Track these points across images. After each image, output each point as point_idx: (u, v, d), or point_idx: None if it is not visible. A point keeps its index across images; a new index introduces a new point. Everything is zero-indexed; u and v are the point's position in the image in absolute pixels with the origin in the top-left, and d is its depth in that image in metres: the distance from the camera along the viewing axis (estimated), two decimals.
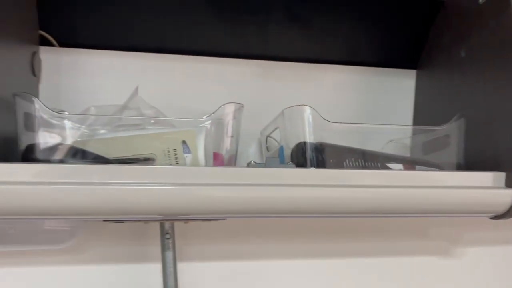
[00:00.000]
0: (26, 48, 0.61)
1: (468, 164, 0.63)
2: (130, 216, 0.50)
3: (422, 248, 0.78)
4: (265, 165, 0.53)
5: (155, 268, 0.68)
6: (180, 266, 0.68)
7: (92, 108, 0.61)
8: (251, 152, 0.73)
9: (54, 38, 0.66)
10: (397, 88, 0.78)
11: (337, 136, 0.59)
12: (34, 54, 0.63)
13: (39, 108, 0.51)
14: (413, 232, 0.77)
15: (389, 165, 0.60)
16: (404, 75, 0.78)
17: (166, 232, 0.64)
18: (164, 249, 0.65)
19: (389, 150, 0.67)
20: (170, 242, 0.65)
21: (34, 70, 0.63)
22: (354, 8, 0.74)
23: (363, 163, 0.60)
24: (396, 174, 0.56)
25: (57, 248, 0.63)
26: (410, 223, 0.77)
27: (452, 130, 0.64)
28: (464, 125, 0.63)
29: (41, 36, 0.65)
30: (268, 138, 0.67)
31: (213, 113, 0.56)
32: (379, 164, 0.61)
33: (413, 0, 0.74)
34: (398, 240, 0.77)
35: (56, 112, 0.53)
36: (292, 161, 0.58)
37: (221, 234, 0.70)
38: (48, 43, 0.66)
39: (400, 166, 0.62)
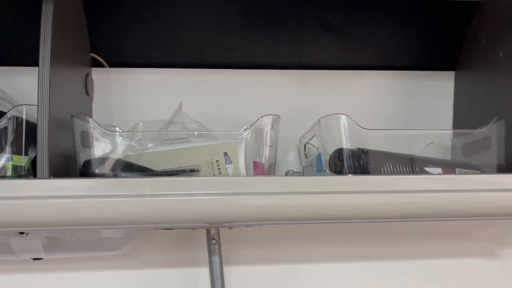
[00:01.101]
0: (80, 70, 0.66)
1: (510, 165, 0.62)
2: (179, 224, 0.53)
3: (466, 250, 0.77)
4: (302, 173, 0.55)
5: (203, 272, 0.72)
6: (226, 269, 0.71)
7: (140, 123, 0.66)
8: (290, 159, 0.75)
9: (104, 60, 0.71)
10: (435, 91, 0.78)
11: (374, 142, 0.61)
12: (87, 76, 0.69)
13: (93, 126, 0.56)
14: (456, 234, 0.77)
15: (428, 169, 0.61)
16: (442, 77, 0.78)
17: (212, 238, 0.68)
18: (211, 254, 0.68)
19: (429, 152, 0.67)
20: (216, 247, 0.68)
21: (87, 90, 0.69)
22: (386, 12, 0.75)
23: (401, 168, 0.61)
24: (436, 179, 0.57)
25: (113, 254, 0.68)
26: (453, 225, 0.77)
27: (492, 132, 0.63)
28: (505, 126, 0.63)
29: (93, 58, 0.71)
30: (307, 145, 0.69)
31: (252, 125, 0.58)
32: (417, 169, 0.61)
33: (448, 1, 0.74)
34: (441, 242, 0.77)
35: (108, 129, 0.58)
36: (330, 168, 0.60)
37: (264, 238, 0.73)
38: (98, 65, 0.71)
39: (439, 169, 0.62)
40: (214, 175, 0.57)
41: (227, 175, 0.57)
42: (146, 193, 0.51)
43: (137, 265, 0.71)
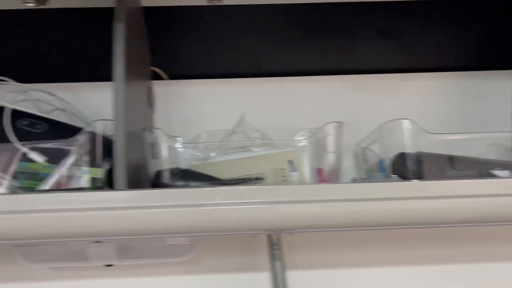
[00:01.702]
0: (144, 84, 0.69)
1: None
2: (248, 232, 0.55)
3: None
4: (369, 180, 0.56)
5: (264, 277, 0.73)
6: (287, 274, 0.72)
7: (203, 133, 0.68)
8: (346, 164, 0.75)
9: (164, 72, 0.74)
10: (493, 91, 0.76)
11: (438, 146, 0.60)
12: (149, 88, 0.72)
13: (164, 138, 0.59)
14: None
15: (494, 172, 0.60)
16: (500, 77, 0.76)
17: (275, 243, 0.69)
18: (273, 259, 0.69)
19: (490, 154, 0.66)
20: (278, 253, 0.69)
21: (150, 102, 0.72)
22: (442, 13, 0.74)
23: (466, 171, 0.60)
24: (501, 182, 0.56)
25: (178, 260, 0.70)
26: None
27: None
28: None
29: (153, 71, 0.73)
30: (366, 150, 0.69)
31: (315, 132, 0.59)
32: (483, 172, 0.60)
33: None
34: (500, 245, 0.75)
35: (176, 140, 0.60)
36: (393, 172, 0.60)
37: (325, 242, 0.73)
38: (158, 77, 0.74)
39: (506, 172, 0.61)
40: (279, 183, 0.58)
41: (292, 182, 0.58)
42: (217, 201, 0.53)
43: (200, 271, 0.73)
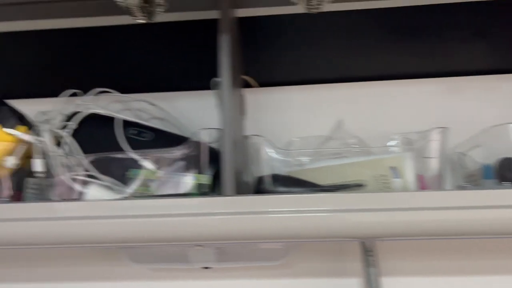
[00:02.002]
0: (238, 93, 0.71)
1: None
2: (346, 239, 0.55)
3: None
4: (476, 187, 0.54)
5: (356, 283, 0.72)
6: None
7: (295, 140, 0.69)
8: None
9: (254, 80, 0.76)
10: None
11: None
12: (241, 96, 0.74)
13: (263, 145, 0.60)
14: None
15: None
16: None
17: (369, 250, 0.69)
18: (367, 265, 0.69)
19: None
20: (372, 259, 0.69)
21: (241, 110, 0.73)
22: None
23: None
24: None
25: (271, 264, 0.72)
26: None
27: None
28: None
29: (243, 79, 0.75)
30: (464, 156, 0.67)
31: (416, 138, 0.59)
32: None
33: None
34: None
35: (279, 148, 0.61)
36: (498, 178, 0.58)
37: (418, 249, 0.72)
38: (248, 85, 0.76)
39: None
40: (380, 190, 0.58)
41: (394, 189, 0.58)
42: (322, 208, 0.53)
43: (292, 275, 0.74)
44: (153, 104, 0.72)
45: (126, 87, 0.73)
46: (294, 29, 0.73)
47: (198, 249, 0.66)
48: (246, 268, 0.73)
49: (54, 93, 0.73)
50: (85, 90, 0.69)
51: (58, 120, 0.66)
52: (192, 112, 0.75)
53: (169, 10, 0.59)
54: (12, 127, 0.61)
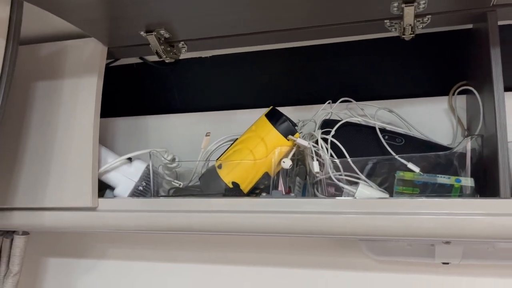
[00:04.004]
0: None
1: None
2: None
3: None
4: None
5: None
6: None
7: None
8: None
9: None
10: None
11: None
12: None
13: None
14: None
15: None
16: None
17: None
18: None
19: None
20: None
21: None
22: None
23: None
24: None
25: (508, 263, 0.74)
26: None
27: None
28: None
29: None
30: None
31: None
32: None
33: None
34: None
35: None
36: None
37: None
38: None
39: None
40: None
41: None
42: None
43: None
44: (391, 111, 0.78)
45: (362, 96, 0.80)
46: None
47: (445, 245, 0.71)
48: (481, 266, 0.76)
49: (302, 102, 0.84)
50: (326, 99, 0.78)
51: (316, 126, 0.75)
52: (422, 117, 0.79)
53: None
54: (289, 133, 0.71)
